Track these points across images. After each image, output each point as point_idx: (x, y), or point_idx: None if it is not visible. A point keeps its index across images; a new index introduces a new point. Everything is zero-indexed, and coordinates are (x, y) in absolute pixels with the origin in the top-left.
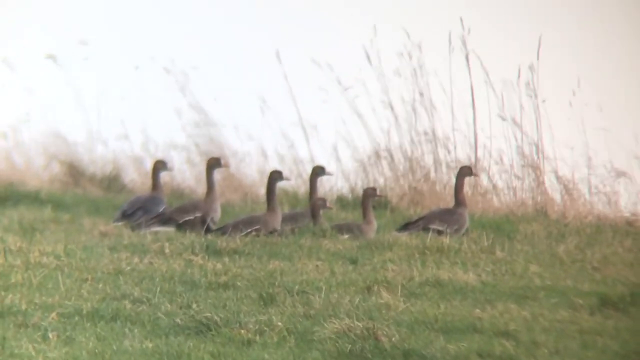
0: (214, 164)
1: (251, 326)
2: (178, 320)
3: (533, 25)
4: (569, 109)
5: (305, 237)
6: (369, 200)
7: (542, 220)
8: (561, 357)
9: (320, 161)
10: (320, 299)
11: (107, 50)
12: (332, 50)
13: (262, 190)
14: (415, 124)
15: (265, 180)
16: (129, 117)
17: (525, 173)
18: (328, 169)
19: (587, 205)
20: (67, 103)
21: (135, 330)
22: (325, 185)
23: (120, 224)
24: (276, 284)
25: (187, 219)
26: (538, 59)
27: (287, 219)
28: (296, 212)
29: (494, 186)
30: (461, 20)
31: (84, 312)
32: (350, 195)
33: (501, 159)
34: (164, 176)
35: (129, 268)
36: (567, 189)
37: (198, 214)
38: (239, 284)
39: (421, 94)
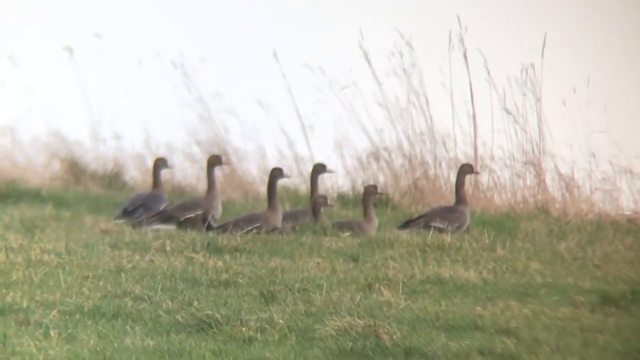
0: (214, 161)
1: (252, 324)
2: (179, 317)
3: (532, 24)
4: (570, 106)
5: (306, 235)
6: (370, 197)
7: (543, 217)
8: (562, 355)
9: (321, 159)
10: (321, 296)
11: (107, 49)
12: (331, 49)
13: (263, 188)
14: (414, 123)
15: (266, 178)
16: (129, 115)
17: (526, 171)
18: (329, 166)
19: (588, 202)
20: (68, 101)
21: (137, 328)
22: (326, 183)
23: (121, 221)
24: (277, 281)
25: (188, 216)
26: (543, 57)
27: (288, 217)
28: (297, 210)
29: (495, 184)
30: (458, 18)
31: (85, 309)
32: (351, 193)
33: (502, 157)
34: (164, 174)
35: (130, 265)
36: (568, 186)
37: (199, 212)
38: (240, 281)
39: (418, 93)
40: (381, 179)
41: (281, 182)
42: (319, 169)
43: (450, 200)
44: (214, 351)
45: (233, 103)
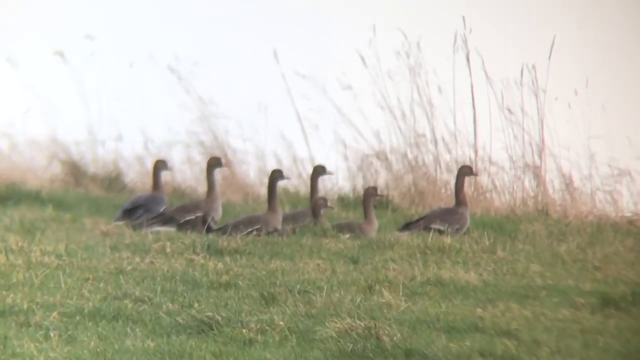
0: (214, 163)
1: (253, 325)
2: (179, 319)
3: (534, 25)
4: (571, 108)
5: (307, 237)
6: (370, 199)
7: (543, 219)
8: (562, 357)
9: (321, 160)
10: (321, 298)
11: (106, 49)
12: (333, 50)
13: (263, 190)
14: (415, 124)
15: (266, 180)
16: (129, 117)
17: (526, 173)
18: (329, 168)
19: (589, 204)
20: (67, 102)
21: (137, 330)
22: (326, 184)
23: (121, 223)
24: (277, 283)
25: (188, 218)
26: (549, 58)
27: (288, 219)
28: (297, 212)
29: (495, 186)
30: (463, 19)
31: (86, 311)
32: (351, 195)
33: (503, 159)
34: (164, 175)
35: (130, 267)
36: (569, 188)
37: (199, 214)
38: (240, 283)
39: (421, 94)
40: (381, 180)
41: (281, 184)
42: (319, 170)
43: (451, 202)
44: (214, 353)
45: (232, 105)
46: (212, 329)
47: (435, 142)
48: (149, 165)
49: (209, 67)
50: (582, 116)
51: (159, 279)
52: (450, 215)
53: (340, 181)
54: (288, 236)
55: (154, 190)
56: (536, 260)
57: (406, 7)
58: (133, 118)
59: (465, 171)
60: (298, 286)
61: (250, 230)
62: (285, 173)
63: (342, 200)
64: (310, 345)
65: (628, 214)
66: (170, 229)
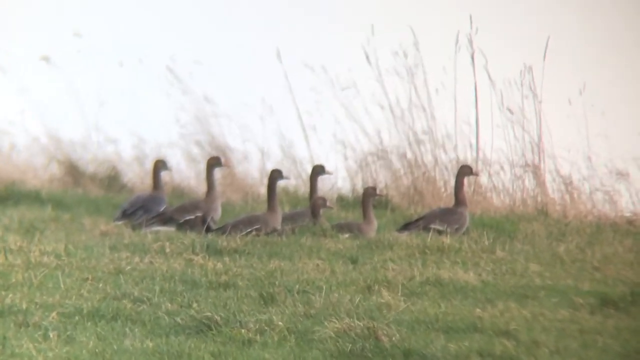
0: (214, 163)
1: (252, 325)
2: (179, 319)
3: (535, 26)
4: (571, 109)
5: (306, 237)
6: (369, 199)
7: (542, 219)
8: (562, 357)
9: (320, 160)
10: (320, 298)
11: (105, 49)
12: (332, 49)
13: (263, 190)
14: (415, 124)
15: (266, 180)
16: (128, 116)
17: (525, 173)
18: (328, 168)
19: (588, 204)
20: (65, 102)
21: (136, 330)
22: (325, 184)
23: (120, 223)
24: (276, 283)
25: (187, 218)
26: (544, 59)
27: (287, 219)
28: (296, 212)
29: (495, 186)
30: (470, 19)
31: (85, 311)
32: (350, 195)
33: (502, 159)
34: (164, 175)
35: (129, 267)
36: (568, 188)
37: (198, 214)
38: (239, 283)
39: (420, 94)
40: (381, 180)
41: (281, 183)
42: (318, 170)
43: (450, 202)
44: (213, 353)
45: (232, 104)
46: (211, 329)
47: (436, 142)
48: (148, 165)
49: (208, 67)
50: (581, 117)
51: (158, 279)
52: (450, 215)
53: (339, 181)
54: (287, 236)
55: (154, 190)
56: (535, 260)
57: (406, 7)
58: (133, 118)
59: (465, 171)
60: (297, 286)
61: (249, 230)
62: (284, 173)
63: (341, 200)
64: (309, 346)
65: (627, 214)
66: (170, 229)
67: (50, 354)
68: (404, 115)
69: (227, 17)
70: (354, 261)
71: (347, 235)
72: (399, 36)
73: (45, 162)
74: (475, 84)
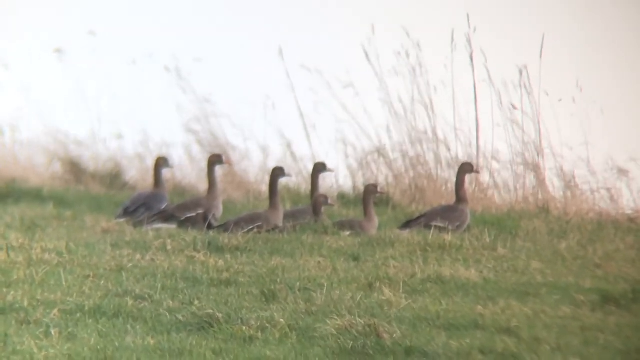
0: (215, 160)
1: (253, 323)
2: (180, 316)
3: (535, 24)
4: (571, 106)
5: (307, 234)
6: (370, 197)
7: (543, 217)
8: (563, 354)
9: (322, 158)
10: (322, 295)
11: (107, 46)
12: (334, 48)
13: (264, 187)
14: (416, 122)
15: (267, 177)
16: (129, 114)
17: (526, 170)
18: (329, 165)
19: (589, 202)
20: (67, 100)
21: (137, 327)
22: (327, 182)
23: (122, 220)
24: (278, 280)
25: (189, 215)
26: (541, 57)
27: (288, 216)
28: (298, 209)
29: (496, 183)
30: (468, 17)
31: (86, 308)
32: (352, 192)
33: (503, 156)
34: (165, 173)
35: (130, 265)
36: (569, 186)
37: (200, 211)
38: (241, 280)
39: (421, 92)
40: (382, 178)
41: (282, 181)
42: (320, 168)
43: (451, 199)
44: (214, 350)
45: (234, 102)
46: (213, 327)
47: (438, 139)
48: (150, 162)
49: (210, 65)
50: (582, 114)
51: (159, 276)
52: (451, 213)
53: (340, 179)
54: (289, 233)
55: (155, 187)
56: (537, 257)
57: (406, 6)
58: (134, 115)
59: (466, 168)
60: (298, 283)
61: (251, 227)
62: (286, 170)
63: (343, 198)
64: (311, 343)
65: (629, 212)
66: (171, 226)
67: (51, 351)
68: (406, 113)
69: (229, 16)
70: (355, 258)
71: (348, 233)
72: (399, 35)
73: (47, 159)
74: (475, 82)
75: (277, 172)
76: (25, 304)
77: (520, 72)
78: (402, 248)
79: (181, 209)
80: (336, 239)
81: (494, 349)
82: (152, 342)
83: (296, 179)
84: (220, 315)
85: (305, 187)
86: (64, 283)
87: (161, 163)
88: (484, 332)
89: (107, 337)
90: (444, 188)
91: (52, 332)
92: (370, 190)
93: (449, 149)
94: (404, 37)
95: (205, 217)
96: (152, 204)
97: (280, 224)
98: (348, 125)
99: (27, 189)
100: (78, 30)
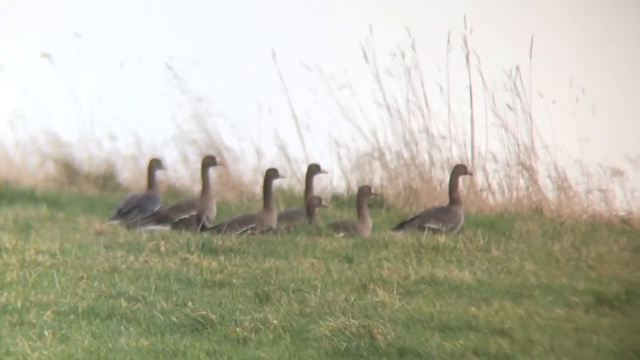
0: (209, 162)
1: (247, 324)
2: (174, 318)
3: (527, 25)
4: (566, 107)
5: (301, 236)
6: (364, 198)
7: (537, 218)
8: (556, 355)
9: (316, 159)
10: (315, 297)
11: (100, 48)
12: (328, 49)
13: (258, 189)
14: (411, 123)
15: (261, 179)
16: (123, 116)
17: (520, 172)
18: (323, 167)
19: (582, 203)
20: (60, 101)
21: (131, 329)
22: (321, 183)
23: (116, 222)
24: (272, 282)
25: (182, 217)
26: (531, 57)
27: (282, 217)
28: (292, 211)
29: (489, 185)
30: (464, 18)
31: (80, 310)
32: (345, 194)
33: (497, 158)
34: (159, 175)
35: (124, 266)
36: (562, 187)
37: (193, 213)
38: (234, 282)
39: (416, 93)
40: (376, 179)
41: (276, 182)
42: (314, 169)
43: (445, 201)
44: (208, 351)
45: (228, 103)
46: (206, 328)
47: (432, 141)
48: (143, 164)
49: (204, 66)
50: (575, 115)
51: (153, 277)
52: (445, 214)
53: (334, 180)
54: (282, 235)
55: (149, 189)
56: (530, 259)
57: (402, 7)
58: (127, 117)
59: (459, 170)
60: (292, 285)
61: (245, 229)
62: (280, 172)
63: (337, 199)
64: (304, 344)
65: (622, 213)
66: (165, 228)
67: (45, 353)
68: (400, 114)
69: (222, 15)
70: (349, 260)
71: (342, 234)
72: (395, 36)
73: (40, 160)
74: (470, 83)
75: (271, 174)
76: (19, 305)
77: (514, 73)
78: (396, 249)
79: (175, 210)
80: (330, 241)
81: (488, 350)
82: (145, 343)
83: (290, 181)
84: (213, 316)
85: (299, 188)
86: (57, 284)
87: (155, 165)
88: (478, 334)
89: (100, 339)
90: (438, 189)
91: (46, 334)
92: (364, 191)
93: (440, 151)
94: (400, 38)
95: (198, 218)
96: (145, 205)
97: (274, 226)
98: (343, 127)
99: (20, 190)
100: (68, 32)
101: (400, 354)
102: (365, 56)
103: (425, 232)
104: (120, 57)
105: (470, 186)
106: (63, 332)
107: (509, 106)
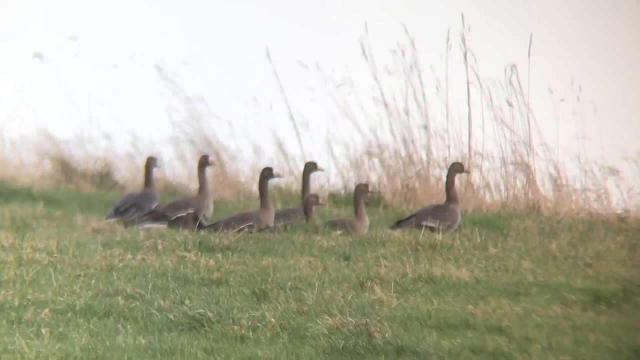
0: (205, 161)
1: (244, 322)
2: (171, 316)
3: (526, 24)
4: (564, 105)
5: (298, 234)
6: (361, 196)
7: (534, 217)
8: (554, 353)
9: (313, 158)
10: (313, 295)
11: (96, 48)
12: (326, 47)
13: (255, 187)
14: (408, 122)
15: (258, 177)
16: (120, 115)
17: (517, 170)
18: (320, 165)
19: (580, 202)
20: (57, 100)
21: (129, 327)
22: (319, 181)
23: (113, 220)
24: (269, 280)
25: (179, 215)
26: (529, 56)
27: (280, 216)
28: (289, 209)
29: (487, 183)
30: (463, 17)
31: (77, 308)
32: (343, 192)
33: (494, 156)
34: (156, 173)
35: (122, 264)
36: (560, 185)
37: (191, 211)
38: (232, 280)
39: (415, 92)
40: (373, 178)
41: (273, 181)
42: (311, 167)
43: (442, 199)
44: (206, 350)
45: (225, 102)
46: (204, 326)
47: (432, 137)
48: (140, 162)
49: (200, 66)
50: (572, 114)
51: (150, 276)
52: (442, 212)
53: (332, 178)
54: (280, 233)
55: (146, 187)
56: (528, 257)
57: (401, 5)
58: (124, 116)
59: (456, 168)
60: (290, 283)
61: (242, 227)
62: (275, 171)
63: (334, 198)
64: (302, 342)
65: (619, 211)
66: (162, 226)
67: (42, 351)
68: (398, 113)
69: (218, 14)
70: (346, 258)
71: (339, 233)
72: (393, 34)
73: (37, 159)
74: (468, 82)
75: (266, 174)
76: (16, 303)
77: (512, 72)
78: (394, 248)
79: (172, 208)
80: (327, 239)
81: (485, 348)
82: (143, 341)
83: (287, 179)
84: (211, 314)
85: (297, 186)
86: (54, 283)
87: (151, 163)
88: (475, 332)
89: (98, 337)
90: (435, 188)
91: (43, 332)
92: (362, 189)
93: (438, 149)
94: (398, 37)
95: (196, 217)
96: (143, 204)
97: (272, 224)
98: (340, 125)
99: (17, 189)
100: (64, 33)
101: (398, 352)
102: (364, 54)
103: (423, 231)
104: (118, 58)
105: (467, 184)
106: (60, 330)
107: (509, 103)
